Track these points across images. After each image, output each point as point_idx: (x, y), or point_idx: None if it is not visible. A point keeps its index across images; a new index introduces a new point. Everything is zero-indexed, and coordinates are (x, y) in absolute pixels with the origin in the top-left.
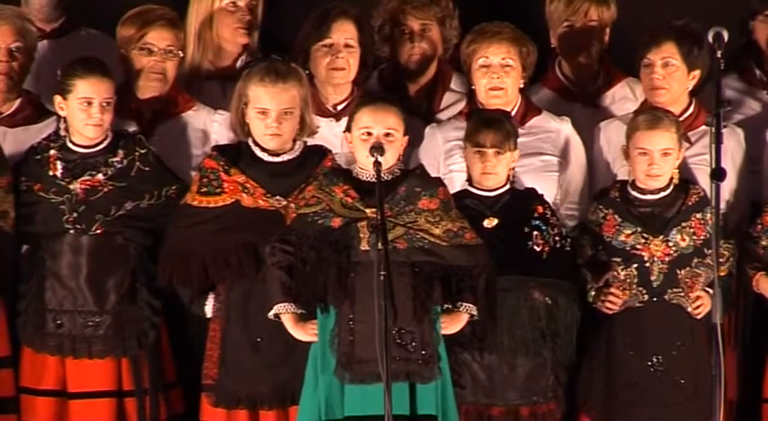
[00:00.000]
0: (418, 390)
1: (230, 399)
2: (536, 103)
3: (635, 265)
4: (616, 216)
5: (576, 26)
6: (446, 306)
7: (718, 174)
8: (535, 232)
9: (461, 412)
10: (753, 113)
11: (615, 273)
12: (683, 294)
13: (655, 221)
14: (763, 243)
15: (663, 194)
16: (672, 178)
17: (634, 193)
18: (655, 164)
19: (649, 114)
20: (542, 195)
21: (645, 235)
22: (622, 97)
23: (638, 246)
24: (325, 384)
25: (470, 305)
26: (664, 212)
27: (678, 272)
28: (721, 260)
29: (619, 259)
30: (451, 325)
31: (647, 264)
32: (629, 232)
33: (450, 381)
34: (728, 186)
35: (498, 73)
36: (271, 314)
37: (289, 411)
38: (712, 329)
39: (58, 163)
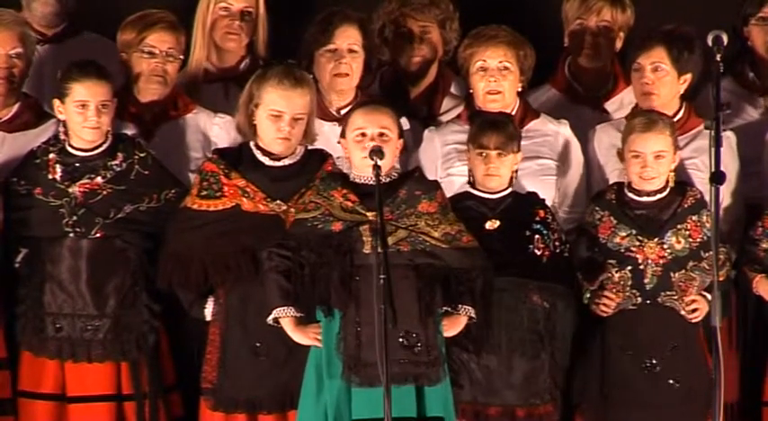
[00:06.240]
0: (425, 393)
1: (229, 403)
2: (543, 104)
3: (629, 268)
4: (612, 218)
5: (588, 25)
6: (445, 308)
7: (717, 178)
8: (536, 236)
9: (458, 411)
10: (749, 116)
11: (610, 275)
12: (676, 297)
13: (650, 224)
14: (764, 245)
15: (659, 196)
16: (668, 180)
17: (630, 195)
18: (648, 166)
19: (644, 117)
20: (544, 199)
21: (640, 237)
22: (630, 102)
23: (633, 249)
24: (332, 388)
25: (469, 307)
26: (659, 215)
27: (672, 275)
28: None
29: (614, 261)
30: (452, 327)
31: (641, 267)
32: (625, 234)
33: (449, 383)
34: (721, 190)
35: (496, 76)
36: (270, 319)
37: (287, 415)
38: (712, 332)
39: (58, 166)
